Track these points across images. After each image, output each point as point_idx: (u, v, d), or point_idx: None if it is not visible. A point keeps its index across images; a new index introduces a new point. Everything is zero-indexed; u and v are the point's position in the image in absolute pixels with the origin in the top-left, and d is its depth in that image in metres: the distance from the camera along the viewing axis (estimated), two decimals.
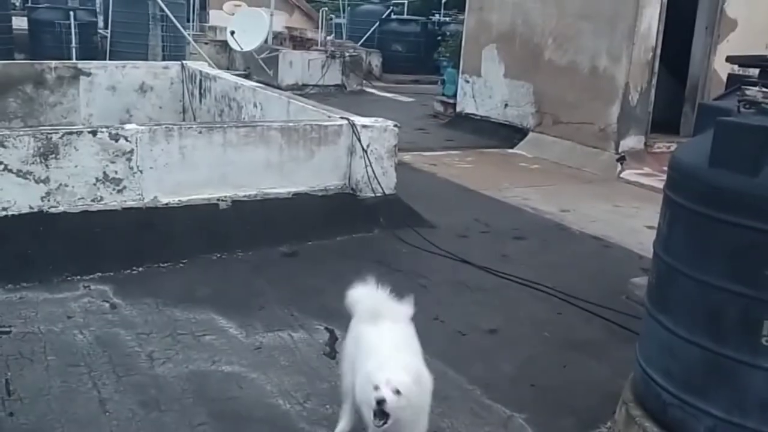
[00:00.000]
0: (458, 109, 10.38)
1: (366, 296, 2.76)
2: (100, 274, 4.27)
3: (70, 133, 4.55)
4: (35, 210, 4.46)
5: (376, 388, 2.20)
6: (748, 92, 2.50)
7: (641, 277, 4.26)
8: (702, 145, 2.42)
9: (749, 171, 2.21)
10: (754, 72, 3.42)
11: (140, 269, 4.40)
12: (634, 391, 2.79)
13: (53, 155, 4.48)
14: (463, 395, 3.24)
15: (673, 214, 2.53)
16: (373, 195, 5.49)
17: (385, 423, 2.20)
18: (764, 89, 2.49)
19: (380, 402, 2.17)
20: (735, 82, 3.27)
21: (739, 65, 3.84)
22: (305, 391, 3.17)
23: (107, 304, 3.92)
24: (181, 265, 4.51)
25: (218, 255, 4.67)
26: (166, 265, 4.47)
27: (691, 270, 2.42)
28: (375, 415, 2.20)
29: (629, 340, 3.44)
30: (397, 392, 2.19)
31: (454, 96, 10.61)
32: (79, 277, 4.21)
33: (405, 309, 2.74)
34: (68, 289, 4.07)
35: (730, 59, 3.82)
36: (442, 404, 3.01)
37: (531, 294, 4.39)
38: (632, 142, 7.95)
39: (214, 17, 20.12)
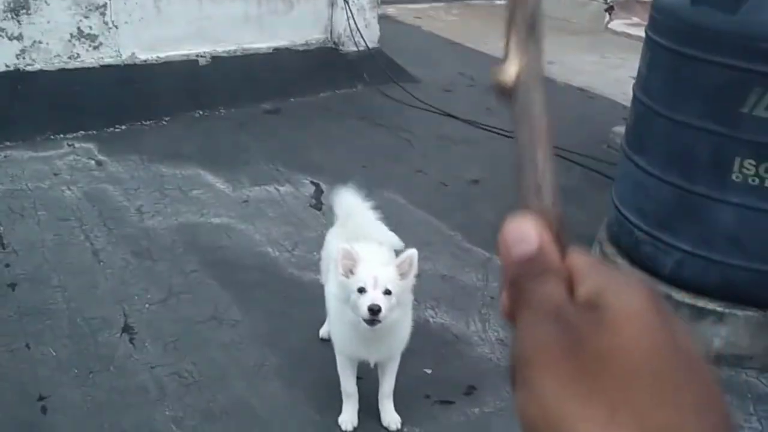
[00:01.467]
0: None
1: (354, 209, 2.43)
2: (83, 132, 4.26)
3: None
4: (11, 68, 4.37)
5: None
6: None
7: (622, 126, 4.29)
8: None
9: (729, 8, 2.19)
10: None
11: (123, 127, 4.39)
12: (608, 231, 2.91)
13: (24, 10, 4.33)
14: (445, 240, 3.35)
15: (654, 56, 2.53)
16: (355, 49, 5.39)
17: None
18: None
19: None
20: None
21: None
22: (293, 240, 3.26)
23: (93, 161, 3.94)
24: (163, 122, 4.50)
25: (200, 112, 4.65)
26: (148, 122, 4.46)
27: (668, 110, 2.45)
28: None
29: (608, 186, 3.51)
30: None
31: None
32: (62, 135, 4.20)
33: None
34: (53, 147, 4.08)
35: None
36: (425, 249, 3.10)
37: (513, 145, 4.42)
38: None
39: None
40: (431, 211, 3.58)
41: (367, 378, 2.29)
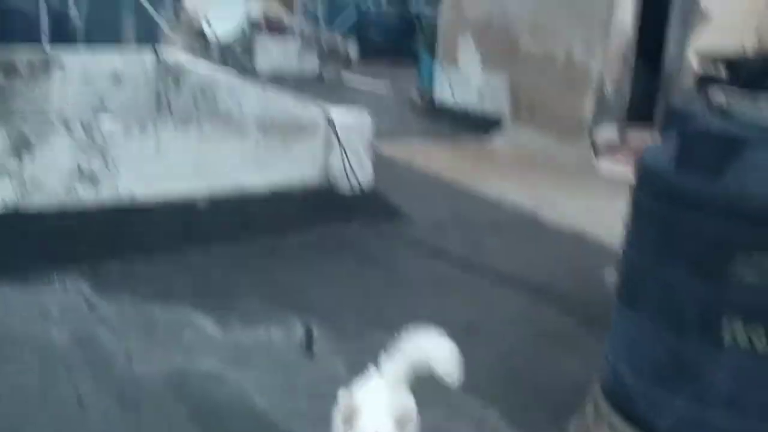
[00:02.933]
0: (435, 99, 10.41)
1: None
2: (76, 271, 4.25)
3: (44, 127, 4.53)
4: (9, 206, 4.44)
5: None
6: (713, 96, 2.55)
7: (614, 270, 4.33)
8: (668, 148, 2.48)
9: (711, 174, 2.28)
10: (723, 68, 3.51)
11: (117, 265, 4.40)
12: (602, 385, 2.87)
13: (26, 150, 4.45)
14: (437, 389, 3.29)
15: (640, 214, 2.60)
16: (350, 188, 5.52)
17: None
18: (728, 93, 2.54)
19: None
20: (704, 79, 3.33)
21: (710, 62, 3.91)
22: (283, 388, 3.21)
23: (84, 302, 3.93)
24: (158, 260, 4.51)
25: (195, 250, 4.68)
26: (143, 261, 4.48)
27: (657, 267, 2.48)
28: None
29: (602, 332, 3.51)
30: None
31: (431, 86, 10.63)
32: (55, 273, 4.20)
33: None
34: (44, 286, 4.06)
35: (697, 57, 3.89)
36: (417, 399, 3.06)
37: (507, 288, 4.46)
38: (607, 133, 8.03)
39: (189, 4, 19.94)
40: None
41: None
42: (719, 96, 2.53)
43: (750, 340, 2.29)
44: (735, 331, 2.31)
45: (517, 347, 3.76)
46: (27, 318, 3.69)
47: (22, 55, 7.98)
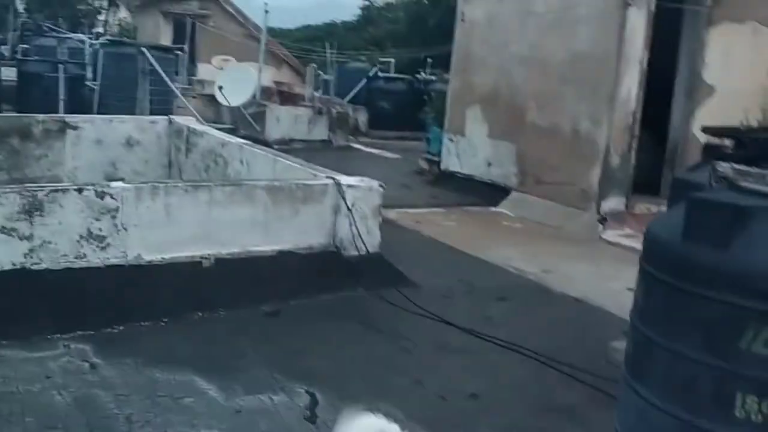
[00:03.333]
0: (443, 167, 10.52)
1: None
2: (81, 332, 4.24)
3: (56, 191, 4.59)
4: (17, 267, 4.46)
5: None
6: (719, 168, 2.58)
7: (621, 341, 4.28)
8: (675, 218, 2.49)
9: (719, 246, 2.28)
10: (729, 142, 3.55)
11: (121, 328, 4.38)
12: None
13: (38, 212, 4.50)
14: None
15: (648, 286, 2.58)
16: (357, 254, 5.53)
17: None
18: (734, 165, 2.57)
19: None
20: (710, 152, 3.36)
21: (714, 135, 3.97)
22: None
23: (87, 364, 3.90)
24: (162, 323, 4.50)
25: (200, 314, 4.67)
26: (147, 323, 4.46)
27: (666, 341, 2.46)
28: None
29: (609, 404, 3.44)
30: None
31: (439, 154, 10.75)
32: (59, 335, 4.18)
33: None
34: (48, 348, 4.04)
35: (704, 129, 3.94)
36: None
37: (513, 357, 4.40)
38: (613, 203, 8.07)
39: (203, 71, 20.42)
40: (429, 428, 3.47)
41: None
42: (726, 168, 2.55)
43: (763, 415, 2.25)
44: (747, 406, 2.27)
45: (524, 419, 3.69)
46: (30, 379, 3.65)
47: (38, 120, 8.15)
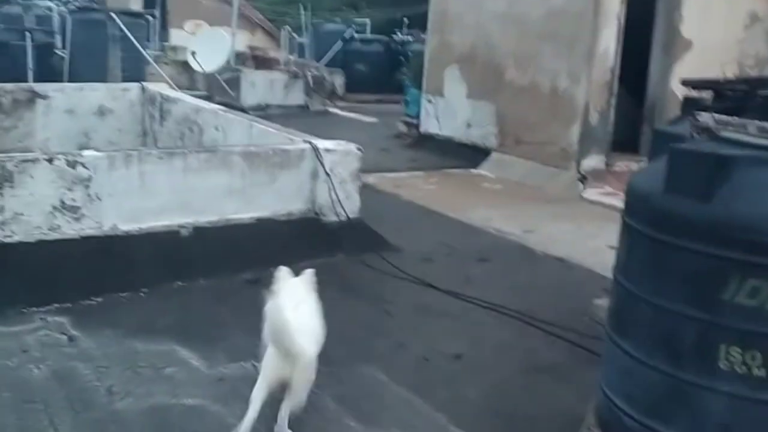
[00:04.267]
0: (422, 130, 10.44)
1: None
2: (57, 305, 4.17)
3: (26, 161, 4.46)
4: None
5: None
6: (700, 118, 2.55)
7: (603, 299, 4.29)
8: (656, 171, 2.46)
9: (702, 197, 2.25)
10: (709, 94, 3.51)
11: (99, 299, 4.31)
12: (597, 416, 2.81)
13: (8, 183, 4.38)
14: (428, 423, 3.22)
15: (630, 240, 2.57)
16: (336, 219, 5.47)
17: None
18: (715, 115, 2.54)
19: None
20: (690, 105, 3.33)
21: (694, 88, 3.93)
22: (269, 424, 3.11)
23: (65, 337, 3.83)
24: (141, 294, 4.43)
25: (180, 283, 4.60)
26: (126, 294, 4.39)
27: (649, 295, 2.45)
28: None
29: (592, 361, 3.46)
30: None
31: (418, 116, 10.66)
32: (35, 308, 4.11)
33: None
34: (24, 321, 3.97)
35: (684, 82, 3.90)
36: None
37: (495, 317, 4.40)
38: (593, 161, 8.06)
39: (175, 37, 20.02)
40: (413, 390, 3.47)
41: None
42: (706, 118, 2.52)
43: (747, 366, 2.25)
44: (731, 357, 2.27)
45: (508, 378, 3.69)
46: (5, 353, 3.58)
47: (6, 90, 7.93)
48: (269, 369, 2.91)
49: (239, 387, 3.41)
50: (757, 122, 2.51)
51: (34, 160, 4.50)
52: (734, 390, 2.26)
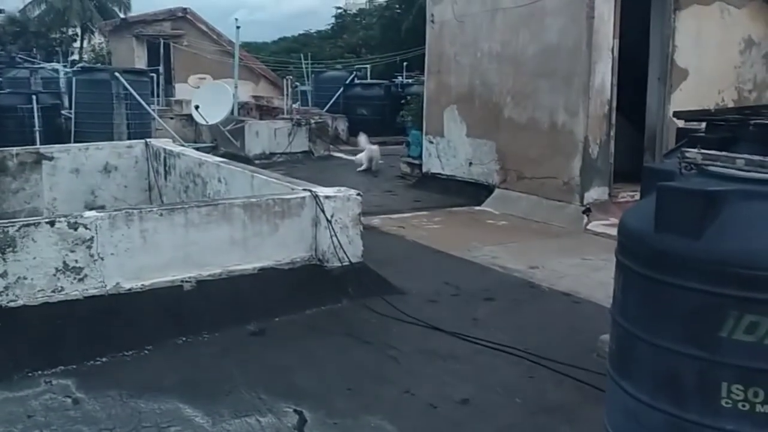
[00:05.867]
0: (424, 170, 10.49)
1: None
2: (62, 367, 4.16)
3: (28, 225, 4.51)
4: None
5: None
6: (688, 154, 2.54)
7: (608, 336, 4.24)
8: (647, 209, 2.44)
9: (692, 235, 2.24)
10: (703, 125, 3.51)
11: (104, 359, 4.30)
12: None
13: (10, 248, 4.42)
14: None
15: (626, 279, 2.54)
16: (339, 264, 5.47)
17: None
18: (703, 150, 2.53)
19: None
20: (684, 136, 3.32)
21: (685, 120, 3.93)
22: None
23: (69, 400, 3.81)
24: (146, 351, 4.42)
25: (184, 338, 4.59)
26: (130, 353, 4.38)
27: (648, 334, 2.41)
28: None
29: (601, 399, 3.39)
30: None
31: (420, 157, 10.73)
32: (40, 372, 4.10)
33: None
34: (29, 386, 3.96)
35: (676, 114, 3.91)
36: None
37: (502, 358, 4.35)
38: (596, 193, 8.05)
39: (180, 91, 20.36)
40: None
41: None
42: (694, 153, 2.51)
43: (750, 403, 2.21)
44: (733, 395, 2.23)
45: (516, 422, 3.63)
46: (11, 420, 3.57)
47: (12, 153, 8.05)
48: None
49: None
50: (746, 155, 2.50)
51: (35, 224, 4.54)
52: (739, 428, 2.20)
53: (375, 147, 12.08)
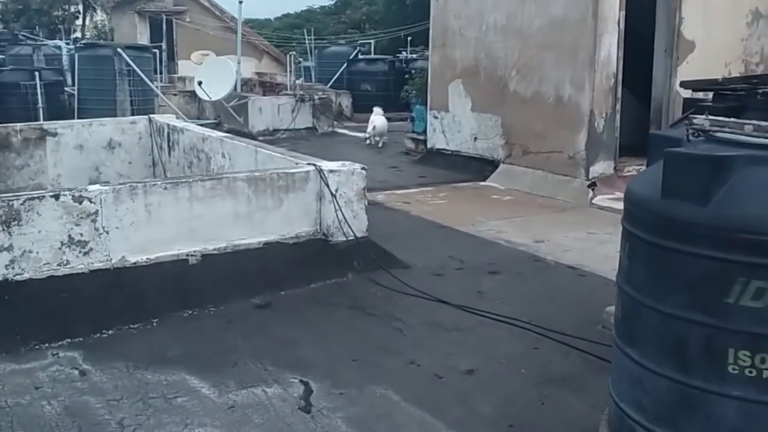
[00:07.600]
0: (429, 145, 10.44)
1: None
2: (69, 340, 4.18)
3: (32, 199, 4.50)
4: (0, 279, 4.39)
5: None
6: (695, 121, 2.52)
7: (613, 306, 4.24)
8: (654, 176, 2.43)
9: (699, 201, 2.22)
10: (710, 95, 3.48)
11: (110, 332, 4.32)
12: (609, 426, 2.76)
13: (16, 222, 4.42)
14: None
15: (632, 247, 2.53)
16: (344, 239, 5.46)
17: None
18: (711, 117, 2.51)
19: None
20: (691, 106, 3.30)
21: (693, 90, 3.90)
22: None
23: (76, 372, 3.84)
24: (151, 324, 4.44)
25: (189, 312, 4.61)
26: (136, 326, 4.40)
27: (654, 302, 2.41)
28: None
29: (606, 370, 3.40)
30: None
31: (424, 132, 10.68)
32: (47, 344, 4.12)
33: None
34: (36, 358, 3.99)
35: (683, 84, 3.88)
36: None
37: (507, 330, 4.36)
38: (602, 167, 8.01)
39: (183, 67, 20.25)
40: (425, 408, 3.44)
41: None
42: (702, 120, 2.49)
43: (756, 369, 2.21)
44: (740, 361, 2.23)
45: (521, 392, 3.64)
46: (19, 391, 3.59)
47: (16, 130, 8.04)
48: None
49: (249, 414, 3.40)
50: (754, 121, 2.48)
51: (40, 198, 4.53)
52: (745, 394, 2.21)
53: (382, 121, 11.97)
